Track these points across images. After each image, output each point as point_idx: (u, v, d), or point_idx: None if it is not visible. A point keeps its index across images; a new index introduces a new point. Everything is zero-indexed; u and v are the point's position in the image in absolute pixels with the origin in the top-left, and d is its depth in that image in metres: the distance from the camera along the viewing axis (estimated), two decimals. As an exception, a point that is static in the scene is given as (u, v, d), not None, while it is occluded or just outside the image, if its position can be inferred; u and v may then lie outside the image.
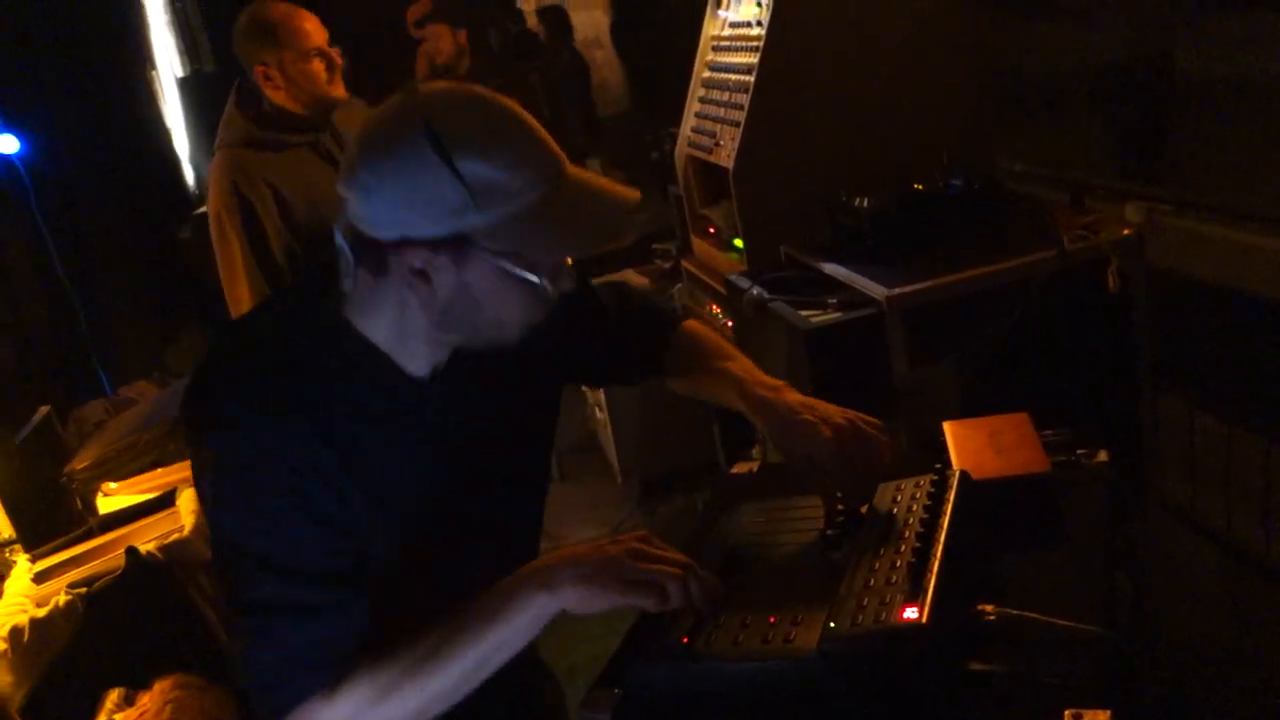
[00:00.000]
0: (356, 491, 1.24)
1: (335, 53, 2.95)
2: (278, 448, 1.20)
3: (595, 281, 1.65)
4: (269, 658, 1.20)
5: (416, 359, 1.29)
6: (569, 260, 1.28)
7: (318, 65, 2.90)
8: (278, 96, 2.91)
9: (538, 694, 1.64)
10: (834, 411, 1.40)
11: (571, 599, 1.18)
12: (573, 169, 1.24)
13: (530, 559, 1.29)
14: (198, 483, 1.28)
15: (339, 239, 1.22)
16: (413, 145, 1.14)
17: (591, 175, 1.28)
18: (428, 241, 1.17)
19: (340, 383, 1.25)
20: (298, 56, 2.87)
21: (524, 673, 1.30)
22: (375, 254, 1.20)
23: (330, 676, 1.19)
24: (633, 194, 1.27)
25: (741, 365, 1.57)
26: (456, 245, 1.18)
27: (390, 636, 1.23)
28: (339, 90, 2.96)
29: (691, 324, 1.67)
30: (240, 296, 2.95)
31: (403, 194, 1.15)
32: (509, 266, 1.19)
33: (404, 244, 1.18)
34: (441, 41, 5.45)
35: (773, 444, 1.46)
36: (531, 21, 7.24)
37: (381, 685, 1.19)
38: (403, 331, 1.26)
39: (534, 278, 1.20)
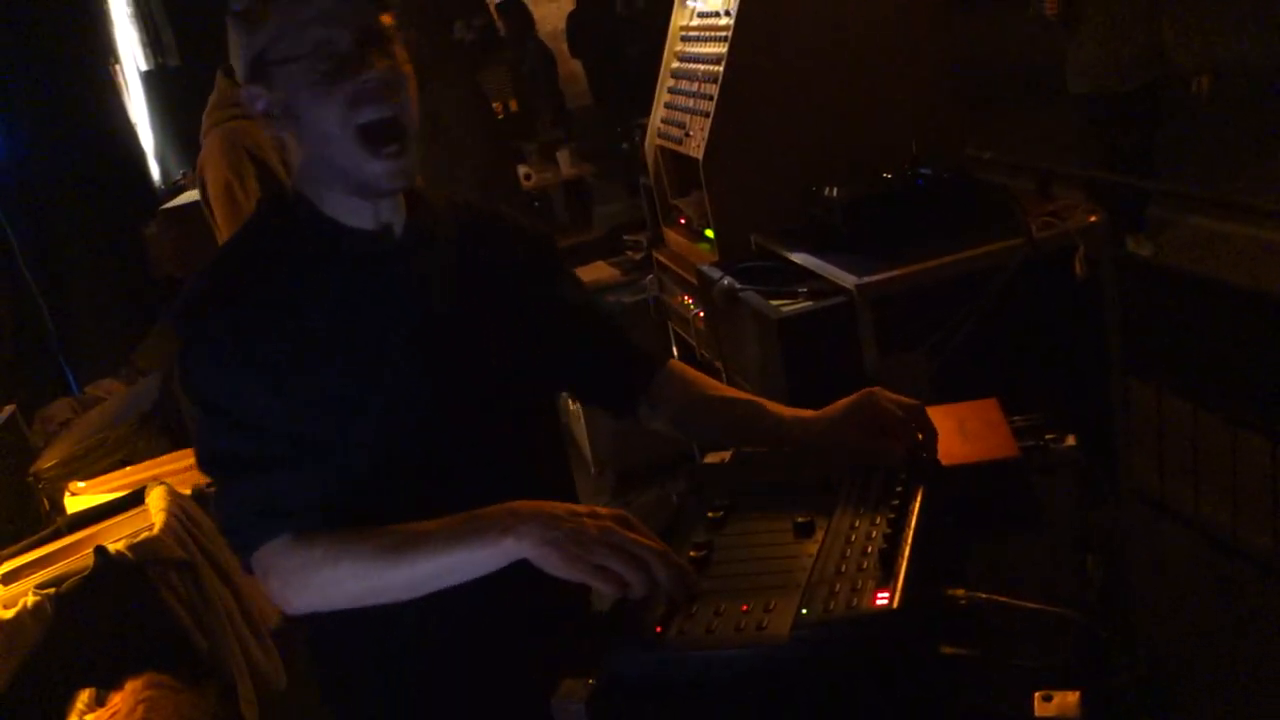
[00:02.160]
0: (330, 356, 1.35)
1: None
2: (235, 331, 1.33)
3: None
4: (232, 504, 1.33)
5: (345, 211, 1.40)
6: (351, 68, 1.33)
7: None
8: None
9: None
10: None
11: (533, 555, 1.20)
12: None
13: (520, 491, 1.28)
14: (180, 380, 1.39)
15: None
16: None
17: None
18: (248, 81, 1.35)
19: (298, 253, 1.38)
20: None
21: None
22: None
23: (284, 525, 1.30)
24: None
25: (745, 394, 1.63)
26: (258, 71, 1.34)
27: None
28: None
29: (681, 364, 1.70)
30: None
31: (232, 52, 1.37)
32: (289, 61, 1.31)
33: (251, 94, 1.36)
34: None
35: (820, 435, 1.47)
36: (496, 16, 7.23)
37: (336, 551, 1.28)
38: (303, 177, 1.41)
39: (301, 55, 1.30)
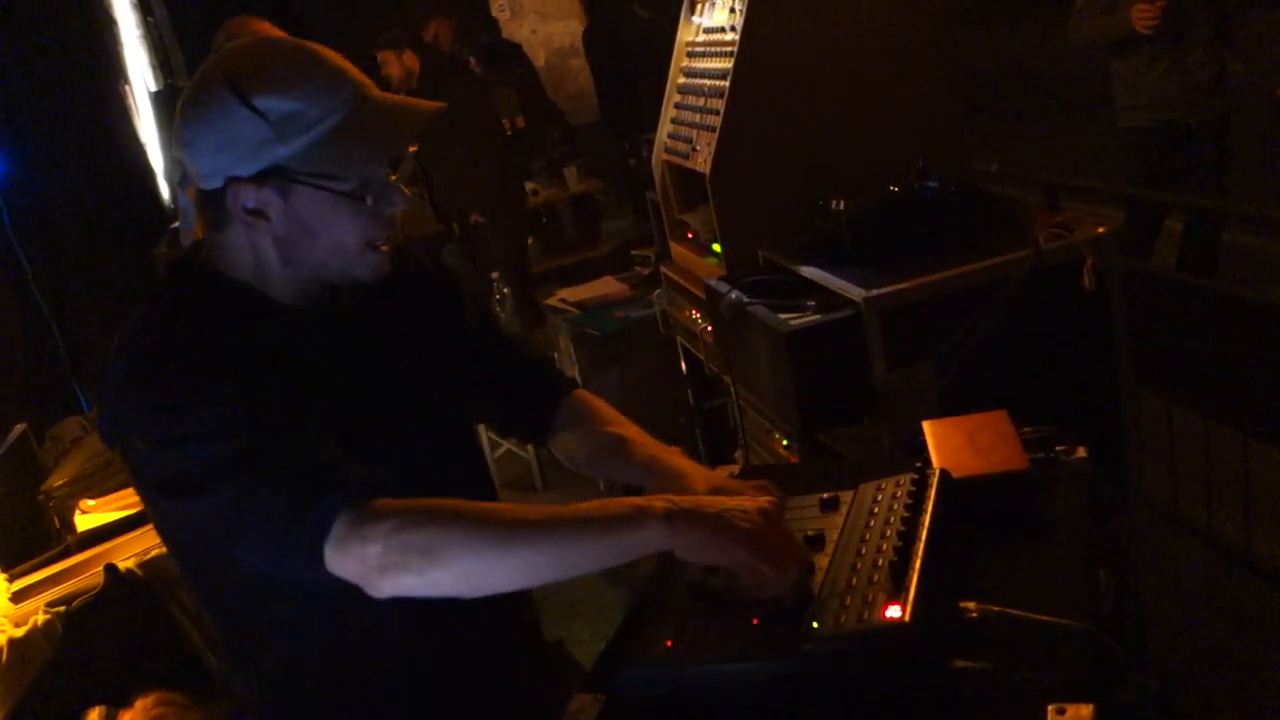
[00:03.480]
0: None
1: None
2: (172, 357, 1.26)
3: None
4: (271, 487, 1.19)
5: (284, 292, 1.36)
6: (393, 176, 1.37)
7: None
8: None
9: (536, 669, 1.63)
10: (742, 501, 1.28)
11: (690, 544, 1.16)
12: (378, 92, 1.33)
13: None
14: (124, 450, 1.30)
15: (182, 201, 1.33)
16: (216, 94, 1.26)
17: (395, 96, 1.38)
18: (251, 179, 1.27)
19: (221, 320, 1.32)
20: None
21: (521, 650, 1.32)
22: (214, 204, 1.31)
23: (359, 487, 1.18)
24: (431, 104, 1.36)
25: (635, 430, 1.58)
26: (276, 177, 1.28)
27: None
28: None
29: (585, 393, 1.67)
30: None
31: (217, 140, 1.26)
32: (327, 185, 1.29)
33: (231, 186, 1.28)
34: (389, 68, 5.75)
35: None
36: (507, 31, 7.26)
37: (467, 511, 1.18)
38: (260, 269, 1.35)
39: (346, 187, 1.29)
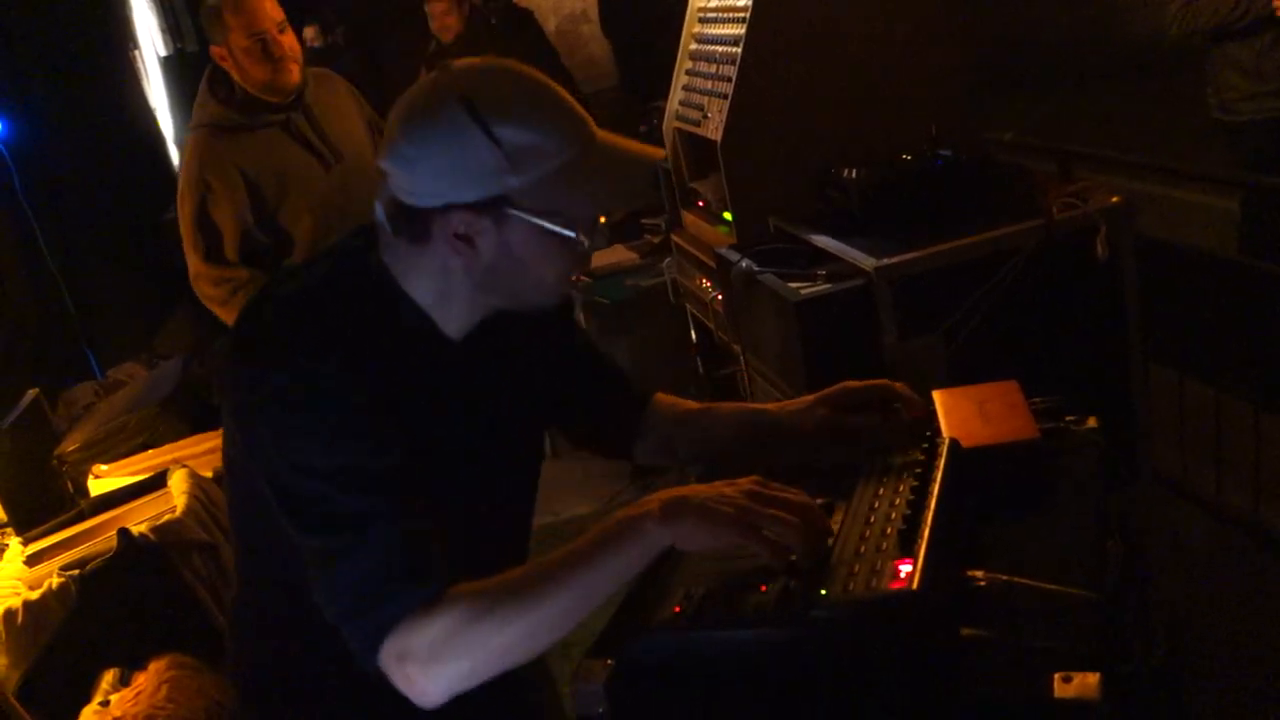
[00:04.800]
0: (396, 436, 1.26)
1: (286, 37, 2.90)
2: (338, 379, 1.22)
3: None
4: (363, 571, 1.17)
5: (454, 321, 1.35)
6: (602, 217, 1.36)
7: (267, 50, 2.87)
8: (237, 77, 2.90)
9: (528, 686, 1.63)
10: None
11: (684, 533, 1.17)
12: (600, 131, 1.30)
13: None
14: (246, 430, 1.28)
15: (379, 213, 1.29)
16: (451, 116, 1.21)
17: (618, 137, 1.32)
18: (470, 206, 1.23)
19: (384, 334, 1.29)
20: (244, 41, 2.85)
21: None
22: (419, 222, 1.26)
23: (430, 584, 1.17)
24: (658, 152, 1.35)
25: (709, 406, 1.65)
26: (496, 207, 1.24)
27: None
28: (286, 76, 2.91)
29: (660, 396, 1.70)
30: (192, 275, 3.02)
31: (444, 162, 1.22)
32: (547, 224, 1.25)
33: (448, 210, 1.24)
34: (446, 17, 5.63)
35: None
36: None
37: (481, 604, 1.16)
38: (445, 294, 1.32)
39: (571, 233, 1.26)
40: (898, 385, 1.52)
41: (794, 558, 1.16)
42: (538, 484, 1.57)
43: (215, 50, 2.88)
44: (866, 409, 1.52)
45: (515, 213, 1.24)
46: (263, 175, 2.94)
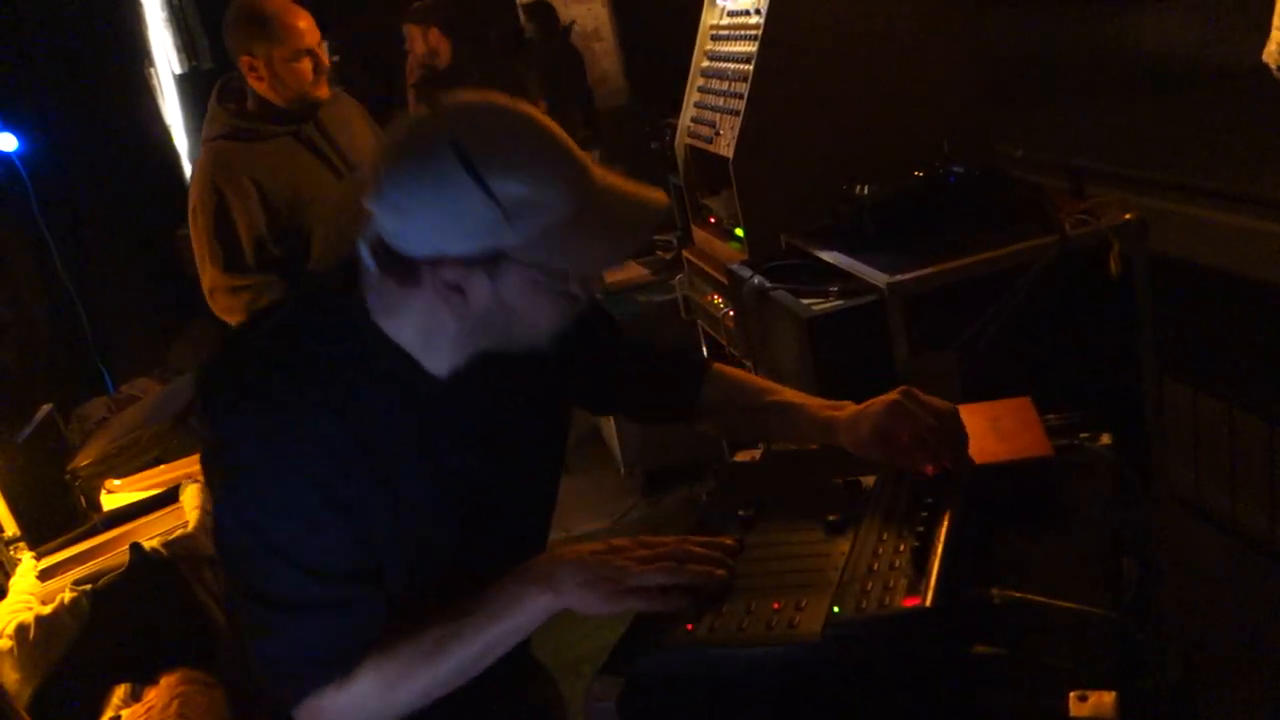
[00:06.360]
0: (373, 486, 1.25)
1: (324, 52, 2.96)
2: (296, 440, 1.20)
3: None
4: (284, 651, 1.22)
5: (439, 361, 1.30)
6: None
7: (306, 65, 2.91)
8: (260, 87, 2.93)
9: (525, 688, 1.62)
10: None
11: (574, 601, 1.21)
12: (599, 173, 1.24)
13: (537, 553, 1.30)
14: (208, 472, 1.29)
15: (362, 252, 1.22)
16: (442, 166, 1.14)
17: (617, 178, 1.26)
18: (462, 258, 1.18)
19: (360, 378, 1.25)
20: (288, 54, 2.87)
21: (512, 666, 1.30)
22: (406, 268, 1.21)
23: (344, 669, 1.22)
24: (660, 198, 1.28)
25: (796, 394, 1.59)
26: (491, 260, 1.18)
27: (397, 624, 1.25)
28: (322, 90, 2.97)
29: (722, 366, 1.68)
30: (208, 288, 3.00)
31: (436, 215, 1.16)
32: (543, 278, 1.21)
33: (438, 261, 1.18)
34: (414, 43, 5.63)
35: (862, 442, 1.42)
36: (530, 12, 7.26)
37: (390, 675, 1.23)
38: (429, 337, 1.28)
39: (569, 287, 1.23)
40: (956, 433, 1.39)
41: (678, 603, 1.19)
42: (555, 498, 1.55)
43: (246, 59, 2.89)
44: (920, 450, 1.38)
45: (510, 265, 1.19)
46: (275, 183, 2.96)
